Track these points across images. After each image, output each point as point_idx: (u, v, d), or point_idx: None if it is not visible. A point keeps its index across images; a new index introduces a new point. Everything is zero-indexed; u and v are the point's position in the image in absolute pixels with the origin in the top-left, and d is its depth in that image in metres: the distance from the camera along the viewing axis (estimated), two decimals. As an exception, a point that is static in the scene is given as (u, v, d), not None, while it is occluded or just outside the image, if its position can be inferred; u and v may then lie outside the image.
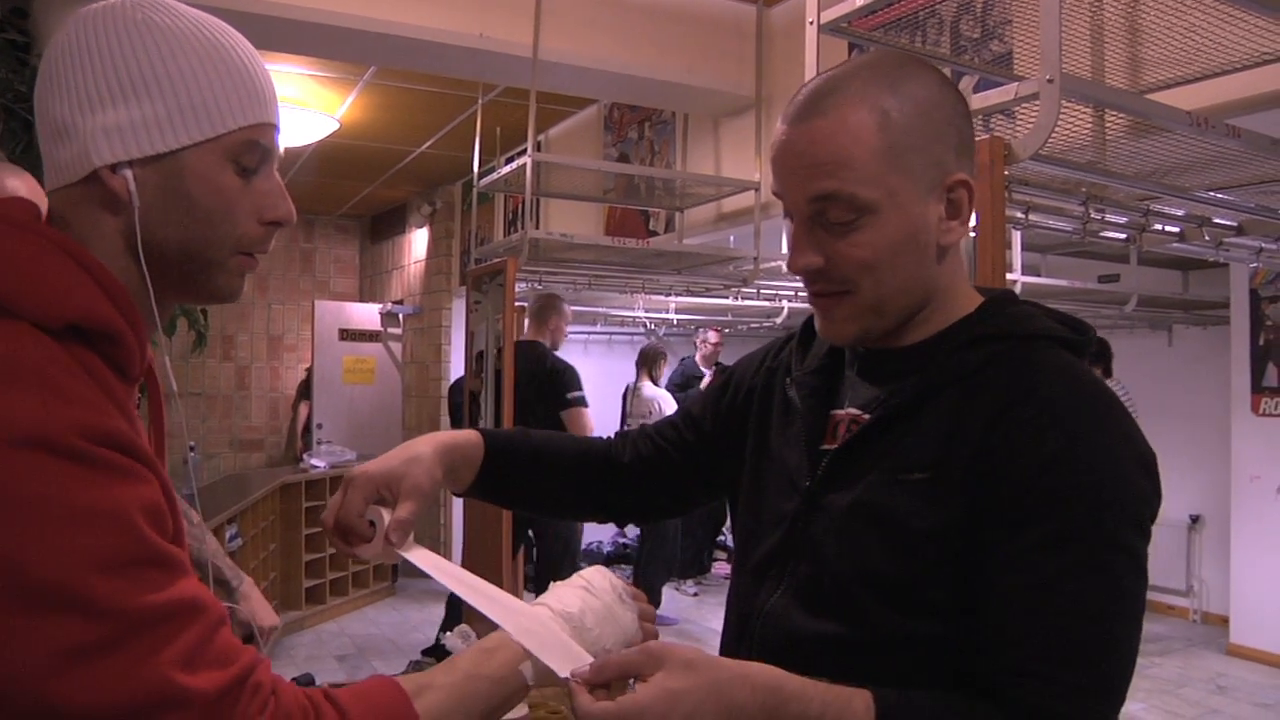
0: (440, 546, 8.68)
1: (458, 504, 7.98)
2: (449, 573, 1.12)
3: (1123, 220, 3.18)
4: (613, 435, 1.46)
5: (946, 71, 1.10)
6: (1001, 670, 0.94)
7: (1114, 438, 0.98)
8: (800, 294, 6.27)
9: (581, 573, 1.12)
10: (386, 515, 1.14)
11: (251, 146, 0.95)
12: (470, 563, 5.56)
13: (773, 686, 0.90)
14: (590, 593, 1.08)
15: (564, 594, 1.08)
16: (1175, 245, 3.47)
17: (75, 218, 0.92)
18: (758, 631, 1.14)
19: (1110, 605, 0.94)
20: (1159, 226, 3.28)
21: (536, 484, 1.36)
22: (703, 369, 7.61)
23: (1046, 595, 0.93)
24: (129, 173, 0.91)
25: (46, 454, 0.75)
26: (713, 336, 7.72)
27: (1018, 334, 1.06)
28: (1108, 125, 2.68)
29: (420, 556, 1.13)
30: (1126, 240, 3.31)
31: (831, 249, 1.04)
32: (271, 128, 0.98)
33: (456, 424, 7.84)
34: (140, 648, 0.75)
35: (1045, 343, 1.06)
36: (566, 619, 1.04)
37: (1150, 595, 6.91)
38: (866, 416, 1.10)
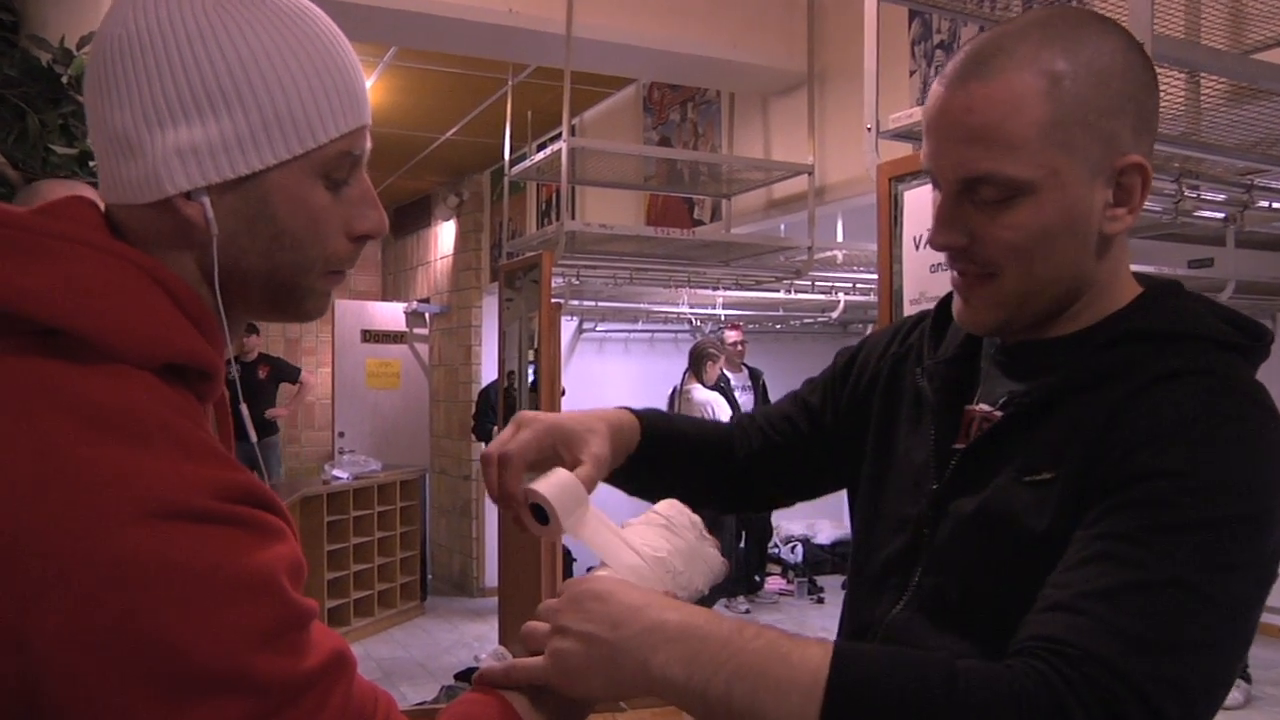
0: (472, 562, 8.69)
1: (491, 517, 7.99)
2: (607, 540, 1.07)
3: (1221, 198, 3.09)
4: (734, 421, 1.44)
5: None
6: (1034, 614, 0.88)
7: (1258, 440, 0.92)
8: (858, 286, 6.21)
9: (656, 509, 1.11)
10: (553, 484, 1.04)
11: (345, 158, 0.90)
12: (505, 577, 5.54)
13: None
14: (673, 531, 1.08)
15: (649, 535, 1.07)
16: (1281, 224, 3.38)
17: (146, 239, 0.87)
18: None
19: (1204, 580, 0.85)
20: (1264, 203, 3.18)
21: (674, 472, 1.32)
22: (727, 373, 7.38)
23: (1116, 545, 0.87)
24: (206, 199, 0.85)
25: (188, 523, 0.73)
26: (732, 335, 7.46)
27: (1170, 332, 1.01)
28: (1204, 91, 2.60)
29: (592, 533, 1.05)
30: (1225, 220, 3.22)
31: (979, 227, 1.01)
32: (365, 130, 0.92)
33: (482, 435, 7.86)
34: (298, 716, 0.75)
35: (1202, 343, 1.00)
36: (658, 564, 1.03)
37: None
38: (999, 414, 1.07)
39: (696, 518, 1.11)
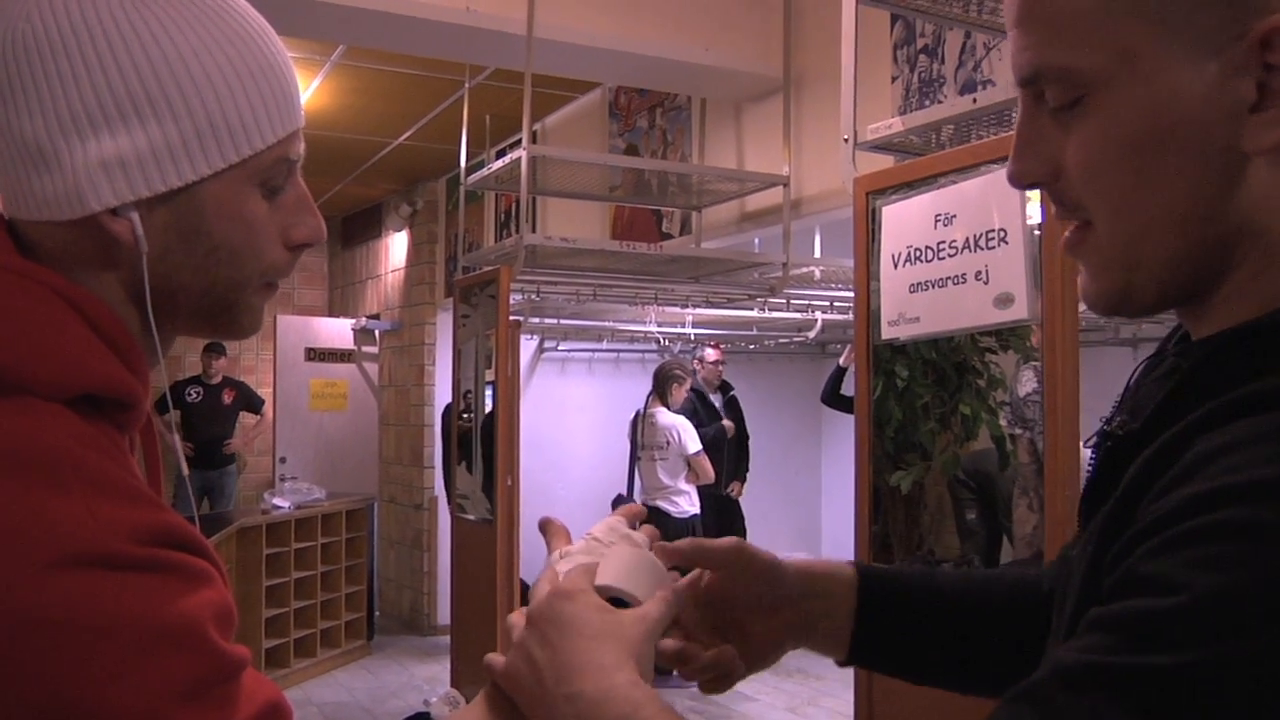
0: (423, 598, 8.63)
1: (444, 549, 7.93)
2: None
3: None
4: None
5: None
6: None
7: None
8: (837, 305, 6.22)
9: (594, 533, 1.08)
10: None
11: (283, 164, 0.88)
12: (459, 614, 5.50)
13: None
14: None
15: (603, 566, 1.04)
16: None
17: (61, 258, 0.85)
18: None
19: None
20: None
21: (947, 644, 1.09)
22: (706, 393, 7.49)
23: (1032, 688, 0.63)
24: (135, 215, 0.83)
25: (103, 571, 0.71)
26: (711, 354, 7.55)
27: None
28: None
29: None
30: None
31: (1058, 150, 0.74)
32: (300, 132, 0.90)
33: (448, 454, 7.82)
34: None
35: None
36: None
37: None
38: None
39: (638, 537, 1.07)
